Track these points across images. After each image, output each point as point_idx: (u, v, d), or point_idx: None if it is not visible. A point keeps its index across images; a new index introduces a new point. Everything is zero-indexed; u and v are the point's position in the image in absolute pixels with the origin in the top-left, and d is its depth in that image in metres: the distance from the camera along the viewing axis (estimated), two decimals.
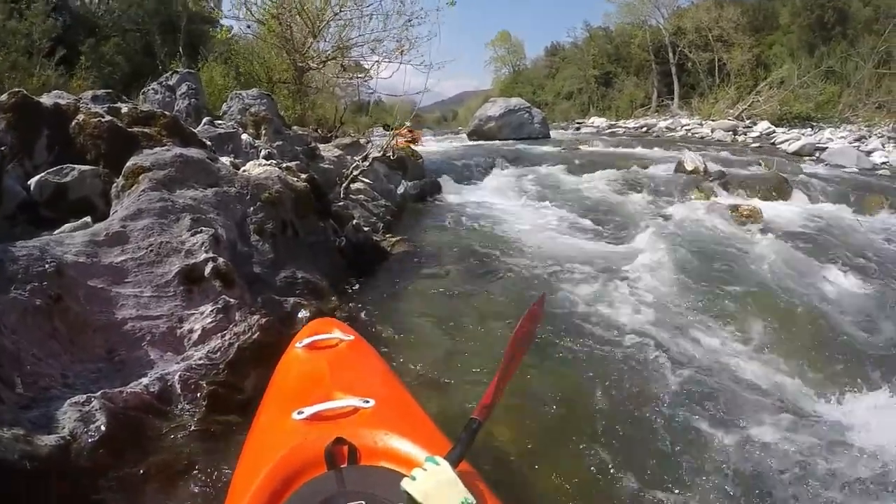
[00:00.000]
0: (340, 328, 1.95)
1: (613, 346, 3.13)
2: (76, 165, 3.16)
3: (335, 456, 1.20)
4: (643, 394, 2.67)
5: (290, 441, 1.26)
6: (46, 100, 3.50)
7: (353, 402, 1.38)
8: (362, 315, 3.33)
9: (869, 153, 12.94)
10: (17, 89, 3.36)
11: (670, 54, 29.80)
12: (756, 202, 7.51)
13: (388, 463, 1.22)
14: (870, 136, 15.83)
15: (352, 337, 1.87)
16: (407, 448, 1.25)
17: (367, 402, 1.38)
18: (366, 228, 4.77)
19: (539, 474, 2.12)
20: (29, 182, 3.06)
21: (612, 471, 2.12)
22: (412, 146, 10.16)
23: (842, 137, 15.94)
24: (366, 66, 10.47)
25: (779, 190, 8.38)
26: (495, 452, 2.18)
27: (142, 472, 1.84)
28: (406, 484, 1.02)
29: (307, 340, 1.82)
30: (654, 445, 2.31)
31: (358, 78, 10.72)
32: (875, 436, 2.34)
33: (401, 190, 7.35)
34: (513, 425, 2.36)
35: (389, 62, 9.52)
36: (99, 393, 1.96)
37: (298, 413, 1.35)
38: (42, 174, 3.08)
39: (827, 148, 13.76)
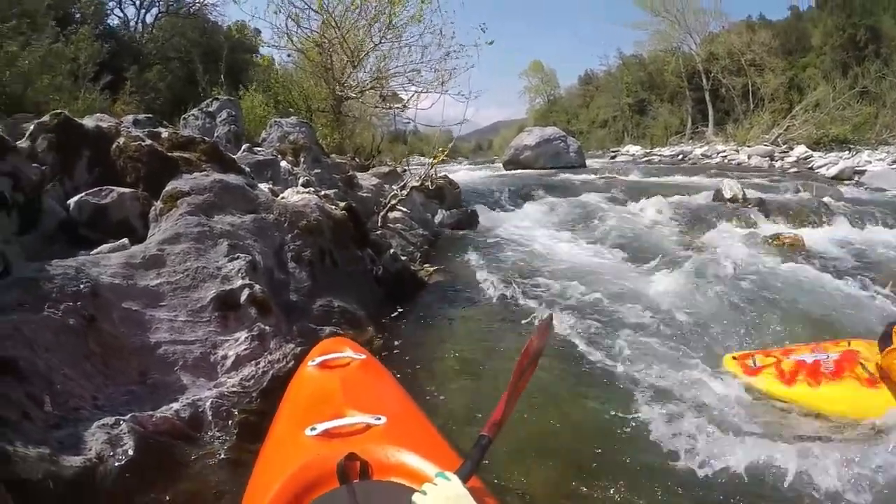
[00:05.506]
0: (352, 347, 1.99)
1: (643, 379, 2.91)
2: (115, 187, 3.18)
3: (347, 471, 1.22)
4: (666, 422, 2.45)
5: (302, 457, 1.30)
6: (89, 122, 3.55)
7: (365, 419, 1.42)
8: (398, 345, 3.27)
9: None
10: (59, 111, 3.41)
11: (703, 80, 29.68)
12: (798, 230, 7.28)
13: (400, 478, 1.25)
14: None
15: (363, 356, 1.91)
16: (418, 464, 1.27)
17: (379, 419, 1.42)
18: (403, 258, 4.68)
19: (549, 491, 2.04)
20: (68, 202, 3.09)
21: (622, 489, 2.01)
22: None
23: (880, 159, 15.58)
24: (403, 97, 10.57)
25: (820, 216, 8.07)
26: (505, 469, 2.10)
27: (168, 498, 1.78)
28: (417, 498, 1.04)
29: (319, 359, 1.86)
30: (675, 471, 2.13)
31: (396, 108, 10.76)
32: None
33: (438, 219, 7.27)
34: (525, 444, 2.27)
35: (429, 93, 9.61)
36: (128, 416, 1.92)
37: (311, 430, 1.38)
38: (82, 194, 3.09)
39: (866, 171, 13.40)
